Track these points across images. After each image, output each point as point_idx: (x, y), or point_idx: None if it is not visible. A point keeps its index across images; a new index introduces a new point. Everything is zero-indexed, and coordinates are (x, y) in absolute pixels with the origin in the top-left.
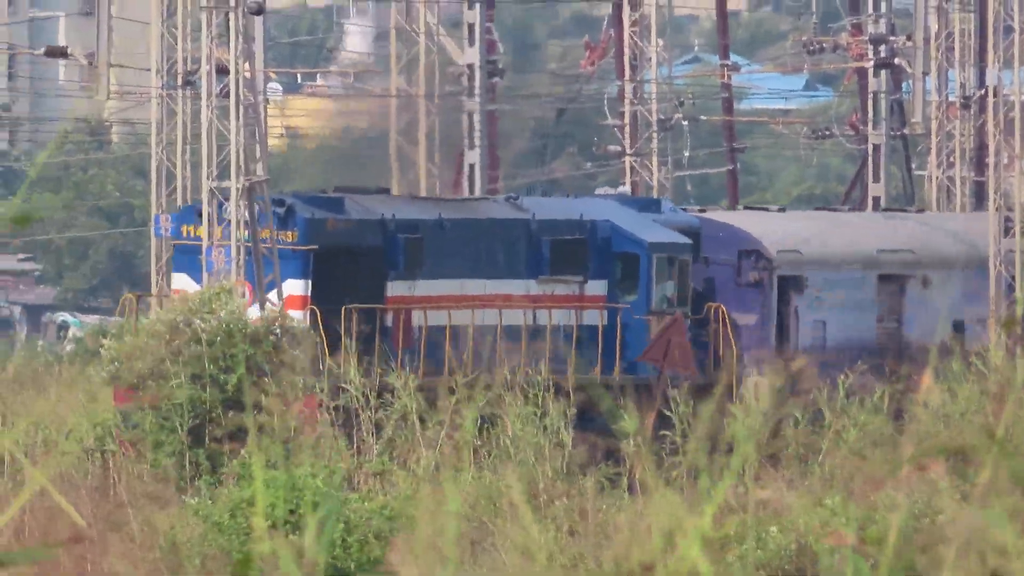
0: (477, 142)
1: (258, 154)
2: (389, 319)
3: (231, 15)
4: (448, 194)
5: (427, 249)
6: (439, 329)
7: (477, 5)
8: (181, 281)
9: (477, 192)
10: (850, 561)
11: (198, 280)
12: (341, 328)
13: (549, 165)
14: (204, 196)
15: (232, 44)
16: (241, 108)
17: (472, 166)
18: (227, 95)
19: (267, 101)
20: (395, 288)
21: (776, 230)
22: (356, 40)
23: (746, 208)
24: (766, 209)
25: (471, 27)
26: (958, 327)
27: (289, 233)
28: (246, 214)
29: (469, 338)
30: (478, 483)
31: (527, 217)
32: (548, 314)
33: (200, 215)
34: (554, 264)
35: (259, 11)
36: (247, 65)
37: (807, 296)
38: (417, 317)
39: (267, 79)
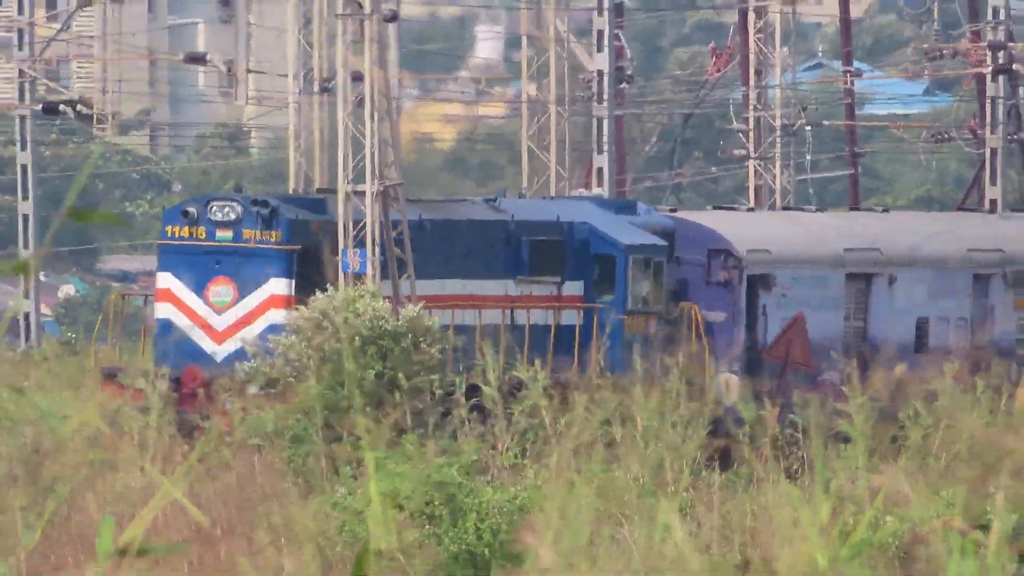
0: (605, 146)
1: (391, 158)
2: None
3: (366, 23)
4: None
5: (411, 249)
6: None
7: (606, 13)
8: (165, 280)
9: (605, 193)
10: (955, 544)
11: (183, 280)
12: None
13: (675, 169)
14: (340, 199)
15: (367, 51)
16: (375, 113)
17: (600, 170)
18: (362, 101)
19: (400, 106)
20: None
21: (746, 230)
22: (487, 47)
23: (715, 208)
24: (735, 209)
25: (600, 34)
26: (922, 324)
27: (273, 233)
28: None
29: (450, 337)
30: (607, 476)
31: (506, 219)
32: (526, 314)
33: (186, 215)
34: (532, 265)
35: (393, 18)
36: (381, 71)
37: (775, 294)
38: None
39: (400, 85)
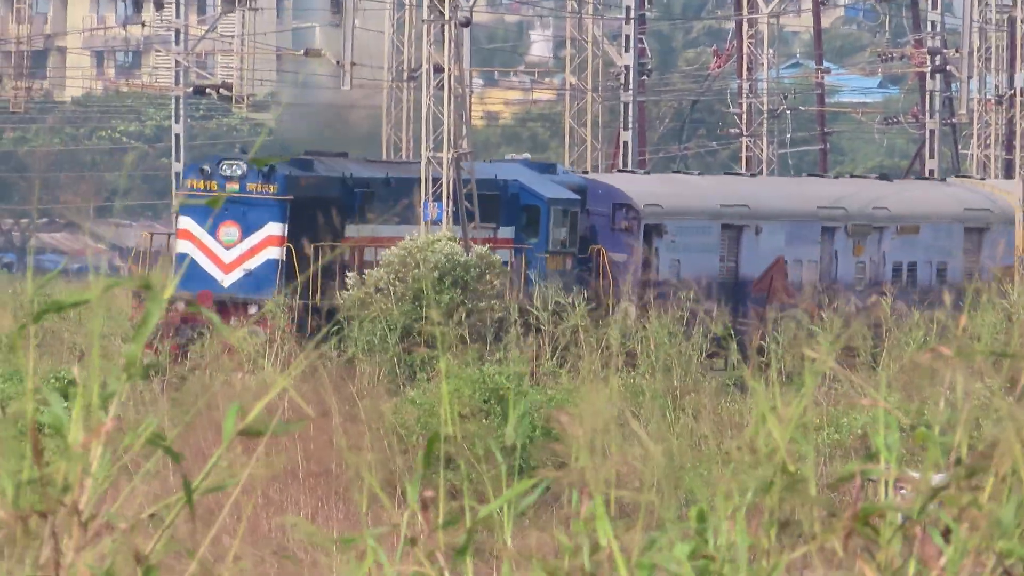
0: (630, 125)
1: (464, 132)
2: (347, 254)
3: (445, 27)
4: (606, 167)
5: (376, 200)
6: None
7: (632, 21)
8: (185, 223)
9: (631, 164)
10: (882, 419)
11: (200, 223)
12: (309, 259)
13: (684, 144)
14: (423, 164)
15: (446, 48)
16: (452, 97)
17: (626, 144)
18: (441, 87)
19: (471, 92)
20: (351, 231)
21: (643, 188)
22: (540, 46)
23: (619, 171)
24: (635, 172)
25: (627, 37)
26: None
27: (271, 186)
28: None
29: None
30: (626, 382)
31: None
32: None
33: (202, 172)
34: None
35: (467, 23)
36: (456, 64)
37: (666, 240)
38: (368, 253)
39: (471, 75)
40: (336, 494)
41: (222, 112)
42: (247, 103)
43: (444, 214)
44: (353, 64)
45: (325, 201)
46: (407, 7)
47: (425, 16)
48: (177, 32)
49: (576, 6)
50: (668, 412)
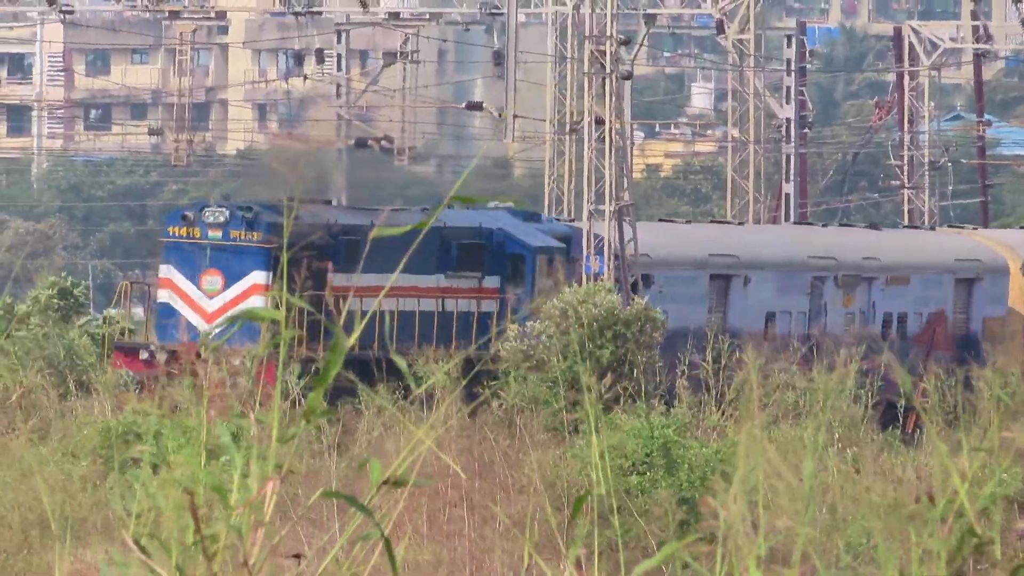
0: (792, 177)
1: (625, 185)
2: (331, 304)
3: (607, 79)
4: (767, 219)
5: (361, 249)
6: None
7: (793, 73)
8: (166, 271)
9: (792, 217)
10: None
11: (183, 272)
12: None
13: (845, 196)
14: (584, 217)
15: (607, 101)
16: (613, 150)
17: (787, 196)
18: (602, 140)
19: (632, 145)
20: (337, 279)
21: (641, 236)
22: (700, 99)
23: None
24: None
25: (788, 89)
26: (770, 317)
27: (255, 234)
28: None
29: (395, 320)
30: (784, 434)
31: (439, 225)
32: (455, 303)
33: (184, 219)
34: (459, 263)
35: (628, 76)
36: (618, 117)
37: (653, 290)
38: (353, 303)
39: (632, 128)
40: (500, 548)
41: (384, 165)
42: (408, 155)
43: (606, 268)
44: (515, 117)
45: (310, 249)
46: (569, 60)
47: (586, 69)
48: (339, 85)
49: (737, 59)
50: (831, 467)
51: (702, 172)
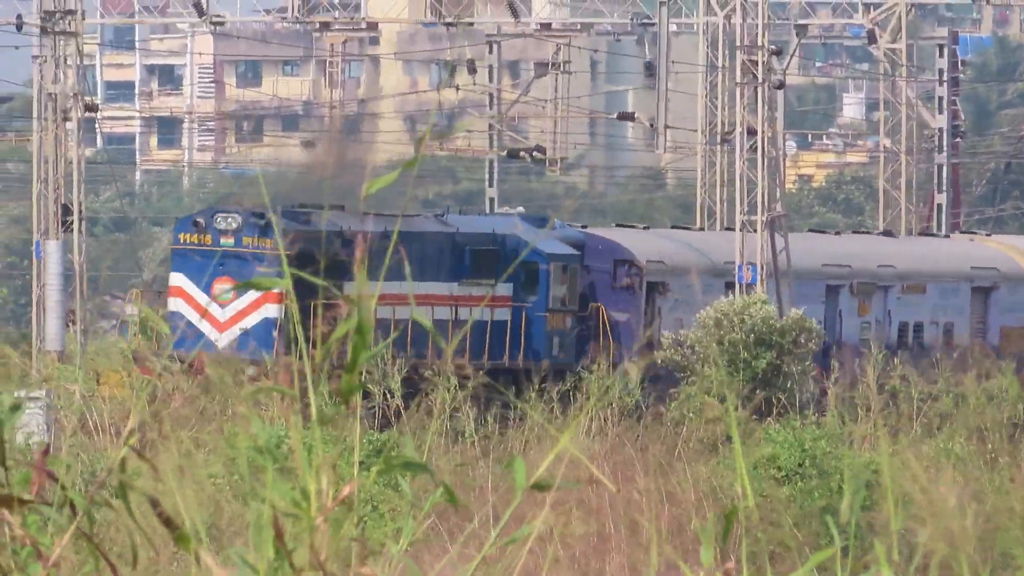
0: (944, 188)
1: (777, 195)
2: (344, 313)
3: (759, 89)
4: (917, 229)
5: (374, 256)
6: (384, 322)
7: (946, 83)
8: (177, 279)
9: (943, 228)
10: None
11: (194, 280)
12: (309, 319)
13: (998, 205)
14: (736, 228)
15: (759, 111)
16: (765, 160)
17: (939, 206)
18: (754, 150)
19: (785, 155)
20: (349, 287)
21: (645, 244)
22: (852, 109)
23: (617, 226)
24: (635, 227)
25: (941, 99)
26: None
27: (268, 240)
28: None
29: (409, 329)
30: (935, 444)
31: (452, 231)
32: (469, 311)
33: (195, 225)
34: (473, 270)
35: (780, 86)
36: (770, 127)
37: (669, 299)
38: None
39: (784, 138)
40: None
41: (535, 174)
42: (560, 165)
43: (759, 278)
44: (667, 127)
45: (322, 256)
46: (720, 70)
47: (738, 79)
48: (491, 96)
49: (889, 69)
50: (985, 478)
51: (854, 182)
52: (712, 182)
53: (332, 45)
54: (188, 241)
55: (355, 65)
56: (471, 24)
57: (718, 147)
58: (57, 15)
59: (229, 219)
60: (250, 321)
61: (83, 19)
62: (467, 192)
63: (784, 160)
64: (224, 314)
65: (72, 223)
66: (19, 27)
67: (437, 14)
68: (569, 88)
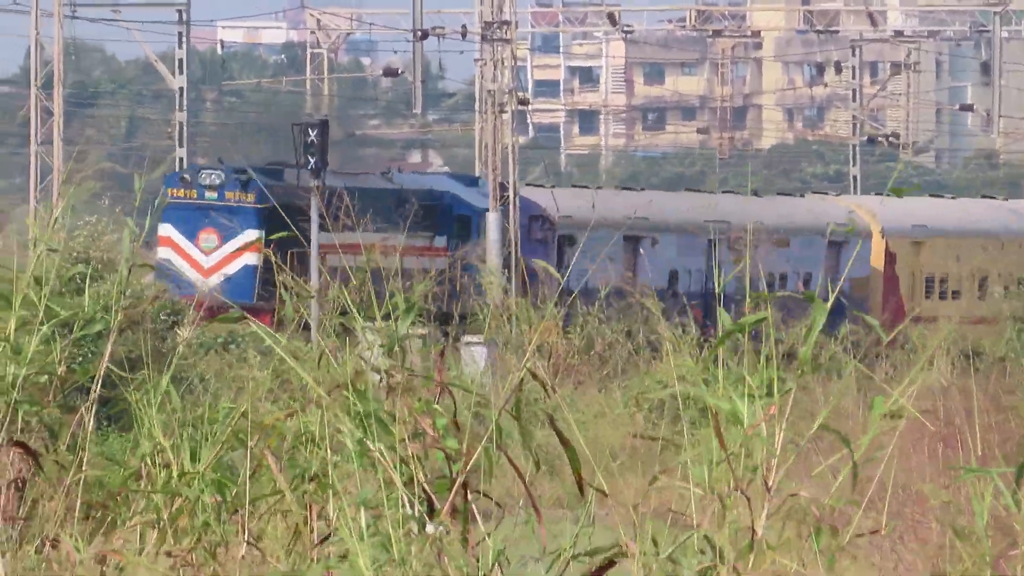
0: None
1: None
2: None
3: None
4: None
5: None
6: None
7: None
8: (166, 230)
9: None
10: None
11: (183, 232)
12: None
13: None
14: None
15: None
16: None
17: None
18: None
19: None
20: (321, 238)
21: (557, 202)
22: None
23: (529, 185)
24: (542, 186)
25: None
26: (672, 275)
27: (248, 195)
28: None
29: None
30: None
31: (397, 187)
32: (415, 260)
33: (182, 181)
34: (414, 222)
35: None
36: None
37: (575, 249)
38: (333, 260)
39: None
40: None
41: (890, 157)
42: (911, 150)
43: None
44: (1000, 116)
45: (297, 209)
46: None
47: None
48: (854, 91)
49: None
50: None
51: None
52: None
53: (723, 49)
54: (176, 195)
55: (740, 65)
56: (837, 31)
57: None
58: (495, 25)
59: (213, 175)
60: (232, 268)
61: (516, 28)
62: (835, 173)
63: None
64: (209, 261)
65: (508, 198)
66: (463, 35)
67: (809, 23)
68: (919, 84)
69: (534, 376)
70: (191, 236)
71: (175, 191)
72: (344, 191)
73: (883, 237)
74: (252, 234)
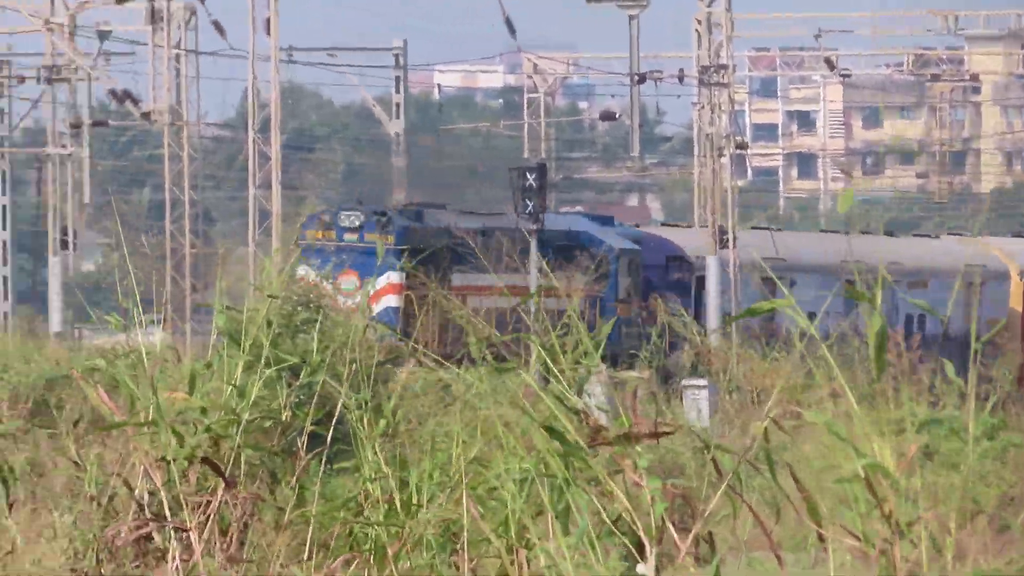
0: None
1: None
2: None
3: None
4: None
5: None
6: (487, 311)
7: None
8: (304, 272)
9: None
10: None
11: (321, 274)
12: (424, 306)
13: None
14: None
15: None
16: None
17: None
18: None
19: None
20: (456, 279)
21: (691, 242)
22: None
23: (663, 225)
24: (678, 226)
25: None
26: (811, 317)
27: (388, 236)
28: None
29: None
30: None
31: (539, 228)
32: (554, 301)
33: (321, 223)
34: (554, 263)
35: None
36: None
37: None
38: (472, 301)
39: None
40: None
41: None
42: None
43: None
44: None
45: (434, 251)
46: None
47: None
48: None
49: None
50: None
51: None
52: None
53: (941, 93)
54: (314, 237)
55: (959, 109)
56: None
57: None
58: (712, 69)
59: (352, 217)
60: (374, 311)
61: (733, 72)
62: None
63: None
64: (349, 303)
65: (728, 241)
66: (680, 79)
67: None
68: None
69: (777, 425)
70: (331, 279)
71: (313, 232)
72: (476, 234)
73: (1022, 279)
74: (394, 276)
